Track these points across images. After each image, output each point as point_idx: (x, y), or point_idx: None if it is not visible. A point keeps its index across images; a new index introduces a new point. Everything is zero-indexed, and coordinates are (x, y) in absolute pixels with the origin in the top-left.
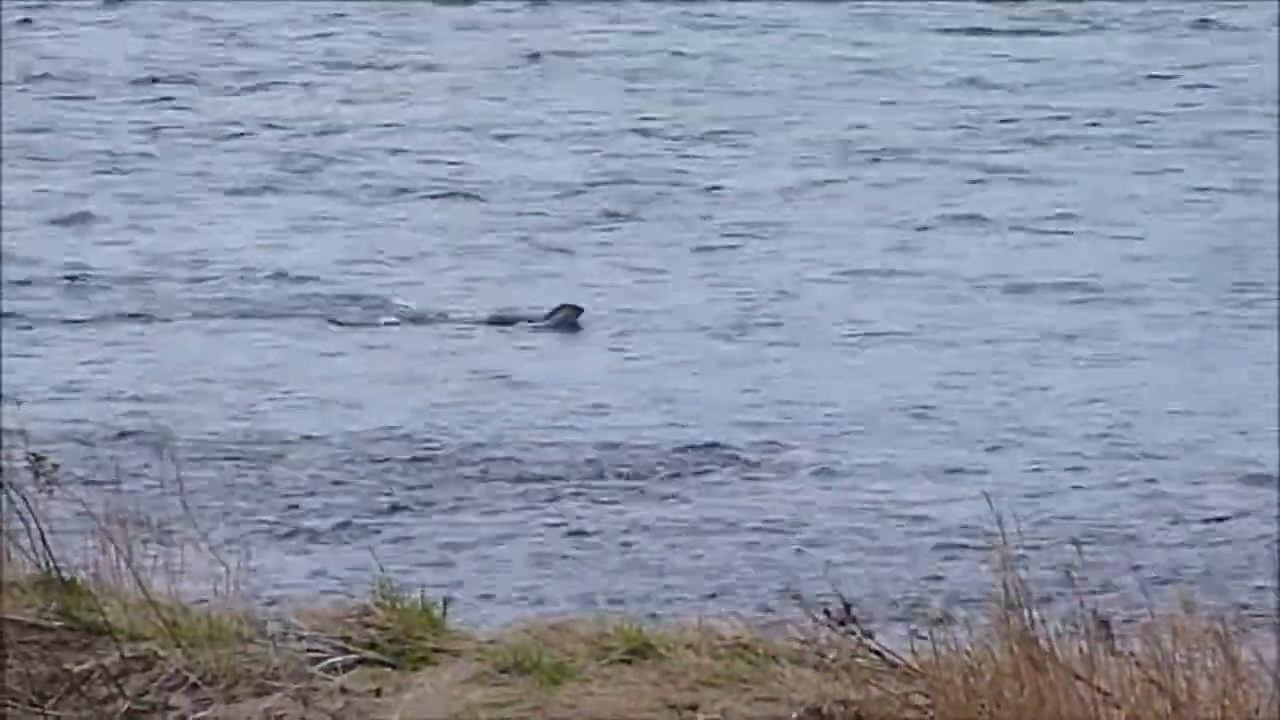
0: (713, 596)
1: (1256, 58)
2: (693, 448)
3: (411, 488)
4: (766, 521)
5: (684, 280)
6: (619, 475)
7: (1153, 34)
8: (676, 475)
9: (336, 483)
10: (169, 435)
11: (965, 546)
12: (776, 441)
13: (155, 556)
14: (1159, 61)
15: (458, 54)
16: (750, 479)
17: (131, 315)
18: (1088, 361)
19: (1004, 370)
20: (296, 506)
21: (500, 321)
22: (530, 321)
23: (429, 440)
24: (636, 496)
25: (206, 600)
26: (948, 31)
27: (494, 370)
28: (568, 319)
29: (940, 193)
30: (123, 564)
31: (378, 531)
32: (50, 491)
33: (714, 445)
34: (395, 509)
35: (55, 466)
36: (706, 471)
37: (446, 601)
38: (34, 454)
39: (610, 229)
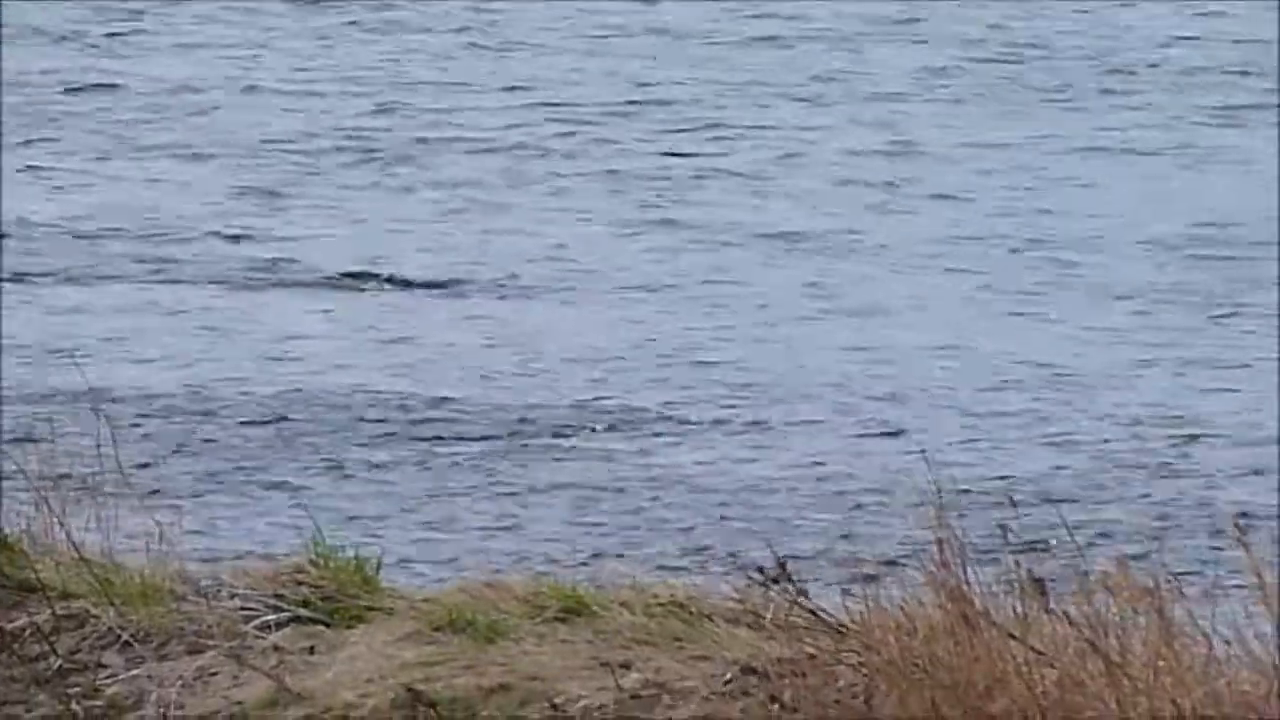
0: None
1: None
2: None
3: (345, 447)
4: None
5: (439, 235)
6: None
7: None
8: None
9: (269, 442)
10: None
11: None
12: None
13: (89, 515)
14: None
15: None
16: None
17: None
18: (849, 314)
19: (769, 322)
20: (230, 465)
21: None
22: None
23: (361, 400)
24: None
25: (140, 558)
26: None
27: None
28: None
29: (711, 147)
30: (55, 522)
31: (311, 490)
32: None
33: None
34: (329, 468)
35: None
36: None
37: (380, 560)
38: None
39: (362, 183)
